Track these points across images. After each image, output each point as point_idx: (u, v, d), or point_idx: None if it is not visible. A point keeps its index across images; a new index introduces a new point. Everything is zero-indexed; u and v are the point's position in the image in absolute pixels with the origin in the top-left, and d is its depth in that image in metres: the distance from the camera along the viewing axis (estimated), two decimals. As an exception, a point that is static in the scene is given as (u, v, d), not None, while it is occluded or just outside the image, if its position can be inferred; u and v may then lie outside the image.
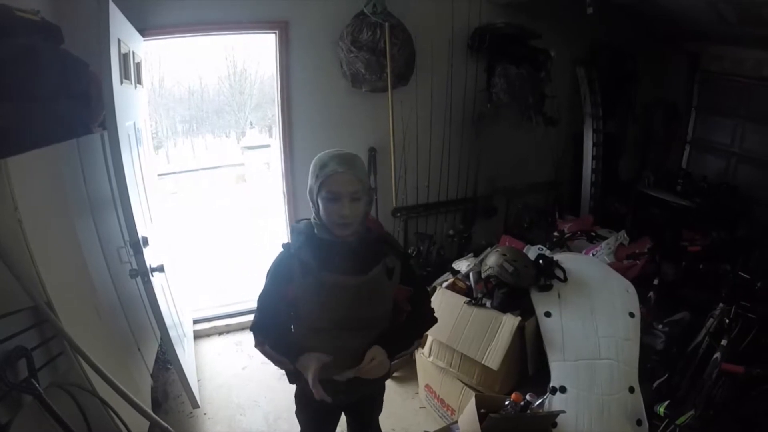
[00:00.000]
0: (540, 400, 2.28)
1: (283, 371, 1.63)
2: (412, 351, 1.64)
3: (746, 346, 2.45)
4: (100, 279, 2.35)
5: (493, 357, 2.41)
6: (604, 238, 3.44)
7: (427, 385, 2.85)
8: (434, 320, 1.71)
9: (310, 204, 1.49)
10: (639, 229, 3.65)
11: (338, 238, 1.47)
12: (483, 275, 2.76)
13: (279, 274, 1.52)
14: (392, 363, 1.57)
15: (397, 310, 1.60)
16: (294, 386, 1.74)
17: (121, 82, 2.32)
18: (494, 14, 3.71)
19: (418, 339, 1.65)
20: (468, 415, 2.16)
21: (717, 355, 2.38)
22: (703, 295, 2.87)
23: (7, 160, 1.48)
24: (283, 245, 1.55)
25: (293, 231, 1.56)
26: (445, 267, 3.38)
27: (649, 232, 3.46)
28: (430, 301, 1.76)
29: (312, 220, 1.52)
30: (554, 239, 3.49)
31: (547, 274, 2.74)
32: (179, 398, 2.93)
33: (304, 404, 1.77)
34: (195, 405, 2.70)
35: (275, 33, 3.30)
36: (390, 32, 3.29)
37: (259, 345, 1.53)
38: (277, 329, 1.54)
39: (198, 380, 3.08)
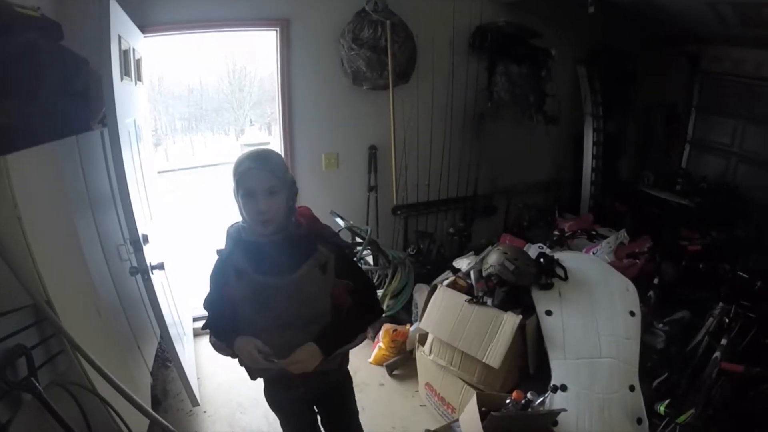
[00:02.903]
0: (541, 399, 2.28)
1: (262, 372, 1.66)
2: (358, 344, 1.62)
3: (746, 345, 2.44)
4: (100, 277, 2.34)
5: (494, 355, 2.41)
6: (605, 237, 3.44)
7: (427, 384, 2.84)
8: (379, 312, 1.71)
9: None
10: (639, 228, 3.65)
11: (264, 237, 1.47)
12: (484, 273, 2.75)
13: (216, 279, 1.57)
14: (336, 354, 1.57)
15: (338, 304, 1.57)
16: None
17: (122, 79, 2.31)
18: (495, 13, 3.70)
19: (362, 332, 1.61)
20: (469, 413, 2.16)
21: (717, 354, 2.38)
22: (703, 294, 2.86)
23: (6, 157, 1.47)
24: (217, 251, 1.58)
25: (226, 236, 1.57)
26: (445, 265, 3.38)
27: (649, 231, 3.46)
28: (373, 293, 1.76)
29: (240, 222, 1.53)
30: (554, 238, 3.49)
31: (548, 273, 2.74)
32: (179, 396, 2.92)
33: (271, 400, 1.81)
34: (195, 403, 2.69)
35: (276, 30, 3.29)
36: (391, 30, 3.29)
37: (210, 341, 1.58)
38: (221, 322, 1.57)
39: (198, 378, 3.07)
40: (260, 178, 1.40)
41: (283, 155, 3.53)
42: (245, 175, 1.40)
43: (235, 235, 1.54)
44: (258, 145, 9.79)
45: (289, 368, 1.45)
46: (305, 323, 1.52)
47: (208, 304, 1.61)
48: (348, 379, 1.86)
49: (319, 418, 1.89)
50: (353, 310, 1.58)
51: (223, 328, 1.55)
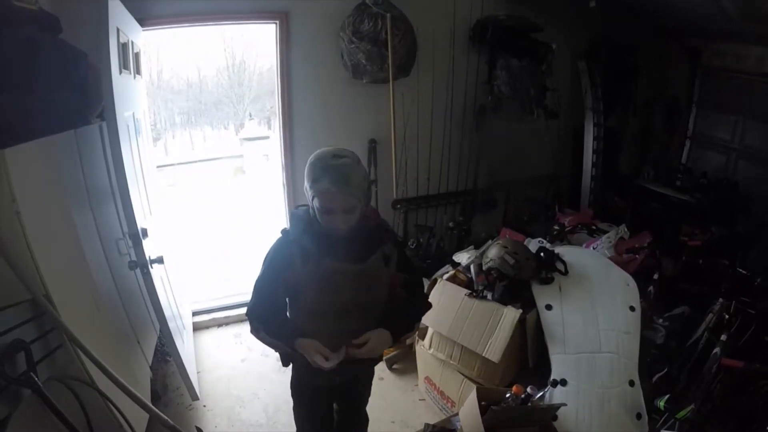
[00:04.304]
0: (541, 393, 2.28)
1: (280, 359, 1.72)
2: (414, 333, 1.72)
3: (746, 341, 2.45)
4: (99, 271, 2.33)
5: (494, 349, 2.41)
6: (605, 232, 3.43)
7: (426, 378, 2.85)
8: (430, 305, 1.76)
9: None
10: (639, 223, 3.65)
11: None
12: (484, 267, 2.75)
13: (278, 260, 1.55)
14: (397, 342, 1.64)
15: (391, 295, 1.64)
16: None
17: (120, 72, 2.29)
18: (496, 6, 3.68)
19: (418, 321, 1.71)
20: (469, 407, 2.16)
21: (716, 349, 2.38)
22: (703, 289, 2.87)
23: (4, 151, 1.46)
24: (282, 231, 1.58)
25: (293, 217, 1.57)
26: (445, 259, 3.37)
27: (649, 227, 3.46)
28: (424, 287, 1.81)
29: (310, 211, 1.51)
30: (554, 232, 3.48)
31: (549, 267, 2.74)
32: (178, 390, 2.93)
33: (300, 387, 1.84)
34: (194, 397, 2.70)
35: (275, 23, 3.27)
36: (391, 23, 3.26)
37: (254, 331, 1.56)
38: (273, 314, 1.56)
39: (197, 372, 3.07)
40: (339, 200, 1.39)
41: (282, 149, 3.53)
42: (323, 194, 1.38)
43: (305, 219, 1.53)
44: (258, 139, 9.77)
45: (356, 354, 1.48)
46: (362, 311, 1.56)
47: (260, 286, 1.57)
48: (373, 373, 1.93)
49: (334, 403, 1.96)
50: (411, 300, 1.67)
51: (278, 324, 1.56)
